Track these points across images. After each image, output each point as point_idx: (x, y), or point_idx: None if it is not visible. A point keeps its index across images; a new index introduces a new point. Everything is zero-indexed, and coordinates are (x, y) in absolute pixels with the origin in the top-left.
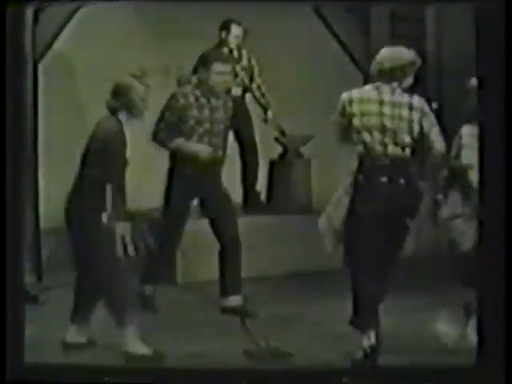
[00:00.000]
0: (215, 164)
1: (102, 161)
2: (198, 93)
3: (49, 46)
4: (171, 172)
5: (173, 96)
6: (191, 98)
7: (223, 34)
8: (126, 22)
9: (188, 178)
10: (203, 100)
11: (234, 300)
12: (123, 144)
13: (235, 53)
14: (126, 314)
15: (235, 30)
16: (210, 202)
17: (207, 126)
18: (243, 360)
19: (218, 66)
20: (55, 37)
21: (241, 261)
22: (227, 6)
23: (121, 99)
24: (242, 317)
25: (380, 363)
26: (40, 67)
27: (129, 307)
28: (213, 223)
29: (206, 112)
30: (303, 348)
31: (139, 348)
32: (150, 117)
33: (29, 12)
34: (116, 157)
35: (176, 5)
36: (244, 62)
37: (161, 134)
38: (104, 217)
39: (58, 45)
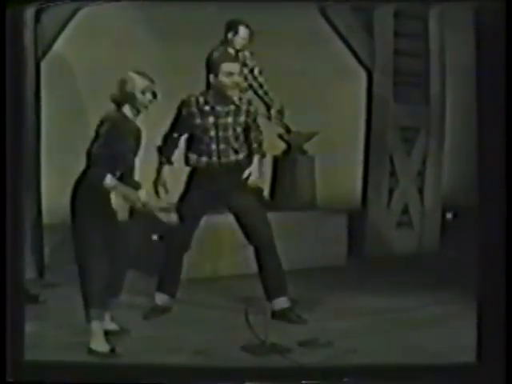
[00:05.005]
0: (232, 170)
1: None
2: (201, 100)
3: (50, 45)
4: (191, 177)
5: (178, 106)
6: (194, 108)
7: (230, 34)
8: (128, 22)
9: (205, 188)
10: (207, 108)
11: (279, 303)
12: (131, 133)
13: (240, 54)
14: (91, 309)
15: (243, 32)
16: (236, 209)
17: (212, 133)
18: (242, 355)
19: (226, 66)
20: (57, 36)
21: (278, 261)
22: (229, 5)
23: (123, 92)
24: (289, 320)
25: (380, 363)
26: (42, 66)
27: (95, 302)
28: (243, 228)
29: (211, 119)
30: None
31: (102, 346)
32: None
33: (30, 12)
34: (120, 147)
35: (178, 4)
36: (248, 63)
37: (164, 148)
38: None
39: (59, 44)
